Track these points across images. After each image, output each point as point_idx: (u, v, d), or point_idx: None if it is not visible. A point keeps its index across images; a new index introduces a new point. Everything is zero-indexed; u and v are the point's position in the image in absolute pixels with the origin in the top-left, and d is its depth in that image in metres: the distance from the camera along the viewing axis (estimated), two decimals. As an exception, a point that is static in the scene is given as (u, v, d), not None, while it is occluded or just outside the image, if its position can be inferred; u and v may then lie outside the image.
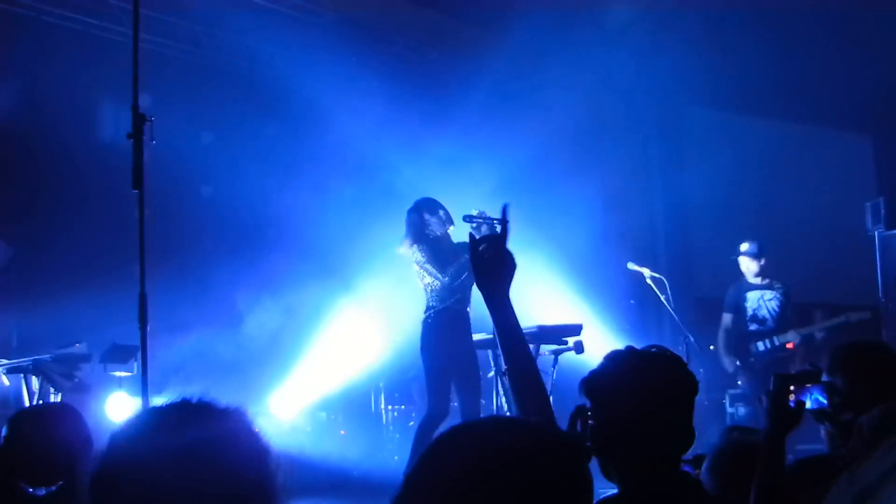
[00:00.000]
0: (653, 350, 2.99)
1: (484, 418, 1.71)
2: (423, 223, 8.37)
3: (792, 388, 3.40)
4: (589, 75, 12.37)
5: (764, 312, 10.64)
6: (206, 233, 11.51)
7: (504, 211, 3.15)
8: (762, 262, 10.73)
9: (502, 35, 11.61)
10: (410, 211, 8.50)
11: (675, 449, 2.85)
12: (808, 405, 3.45)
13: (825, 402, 3.48)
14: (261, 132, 11.87)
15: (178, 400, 1.88)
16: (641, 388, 2.85)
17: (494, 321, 3.00)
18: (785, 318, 10.59)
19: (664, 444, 2.81)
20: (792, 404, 3.38)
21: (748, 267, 10.74)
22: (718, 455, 3.70)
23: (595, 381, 2.93)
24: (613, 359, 2.96)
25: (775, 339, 10.47)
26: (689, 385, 2.93)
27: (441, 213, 8.40)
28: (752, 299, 10.69)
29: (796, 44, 12.60)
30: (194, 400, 1.88)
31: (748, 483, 3.24)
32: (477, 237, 3.17)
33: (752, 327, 10.58)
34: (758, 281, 10.73)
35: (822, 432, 3.82)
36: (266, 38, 11.72)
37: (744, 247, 10.80)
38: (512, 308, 3.01)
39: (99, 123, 10.69)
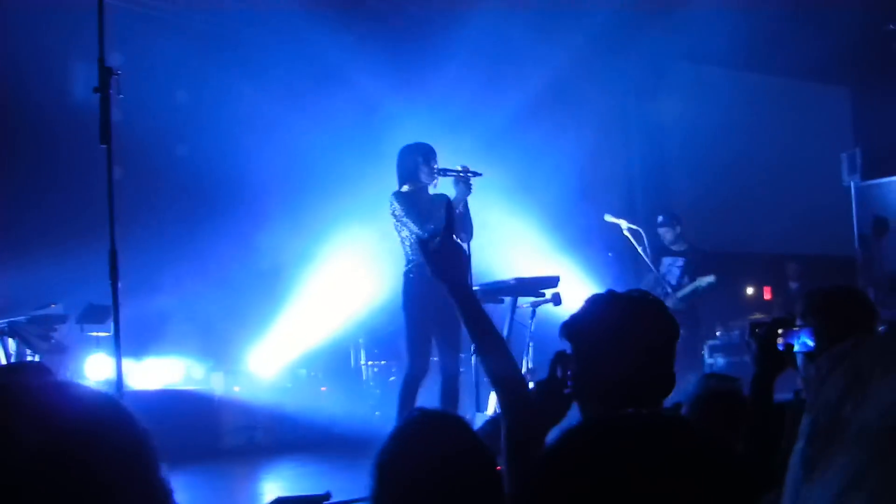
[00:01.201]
0: (634, 294, 2.99)
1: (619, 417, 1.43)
2: (417, 167, 7.98)
3: (780, 331, 3.40)
4: (567, 31, 12.30)
5: (669, 277, 10.92)
6: (184, 191, 11.44)
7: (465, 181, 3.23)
8: (677, 229, 11.22)
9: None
10: (409, 150, 8.11)
11: (656, 393, 2.85)
12: (796, 348, 3.45)
13: (812, 345, 3.47)
14: (237, 90, 11.77)
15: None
16: (623, 331, 2.83)
17: (460, 312, 3.01)
18: (681, 285, 10.82)
19: (645, 387, 2.80)
20: (781, 348, 3.38)
21: (665, 236, 11.23)
22: (695, 402, 3.72)
23: (576, 324, 2.91)
24: (595, 301, 2.95)
25: None
26: (671, 328, 2.92)
27: (434, 164, 7.97)
28: (665, 264, 11.08)
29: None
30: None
31: (725, 430, 3.25)
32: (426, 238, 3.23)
33: (658, 290, 10.74)
34: (674, 247, 11.05)
35: (800, 379, 3.85)
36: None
37: (658, 219, 11.35)
38: (475, 296, 3.05)
39: (71, 83, 10.57)
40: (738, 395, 3.77)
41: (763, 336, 3.39)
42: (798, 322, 3.58)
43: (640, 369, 2.80)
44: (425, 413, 2.75)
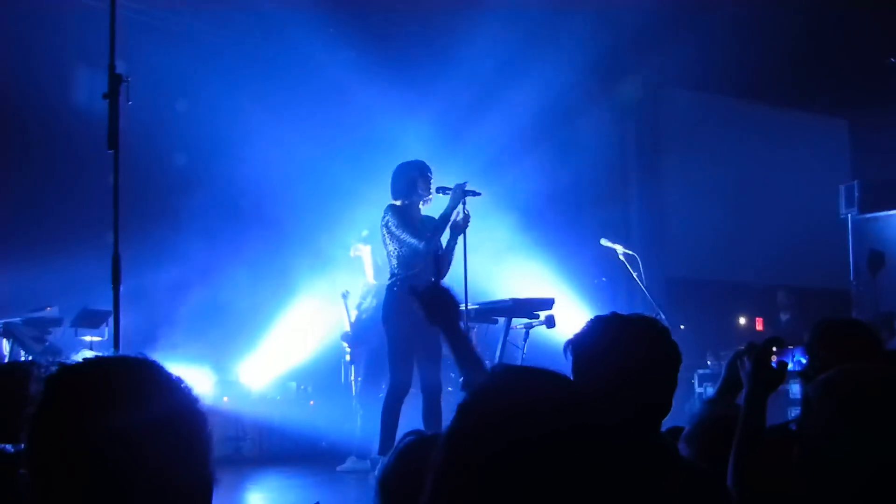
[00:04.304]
0: (636, 317, 3.00)
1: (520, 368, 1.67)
2: (413, 184, 7.99)
3: (774, 349, 3.40)
4: (566, 54, 12.33)
5: None
6: (181, 200, 11.42)
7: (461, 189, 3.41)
8: None
9: (482, 11, 11.55)
10: (406, 167, 8.11)
11: (651, 416, 2.86)
12: (791, 366, 3.46)
13: (805, 362, 3.49)
14: (237, 101, 11.78)
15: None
16: (628, 350, 2.84)
17: (453, 354, 3.26)
18: None
19: (645, 408, 2.80)
20: (774, 365, 3.37)
21: None
22: (698, 425, 3.69)
23: (582, 342, 2.92)
24: (600, 321, 2.96)
25: None
26: (674, 352, 2.93)
27: (430, 181, 8.02)
28: None
29: (773, 26, 12.61)
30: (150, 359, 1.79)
31: (725, 454, 3.24)
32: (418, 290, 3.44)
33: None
34: None
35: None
36: (242, 8, 11.63)
37: None
38: (467, 337, 3.29)
39: (74, 89, 10.59)
40: None
41: (757, 353, 3.39)
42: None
43: (641, 389, 2.80)
44: (423, 437, 2.76)
